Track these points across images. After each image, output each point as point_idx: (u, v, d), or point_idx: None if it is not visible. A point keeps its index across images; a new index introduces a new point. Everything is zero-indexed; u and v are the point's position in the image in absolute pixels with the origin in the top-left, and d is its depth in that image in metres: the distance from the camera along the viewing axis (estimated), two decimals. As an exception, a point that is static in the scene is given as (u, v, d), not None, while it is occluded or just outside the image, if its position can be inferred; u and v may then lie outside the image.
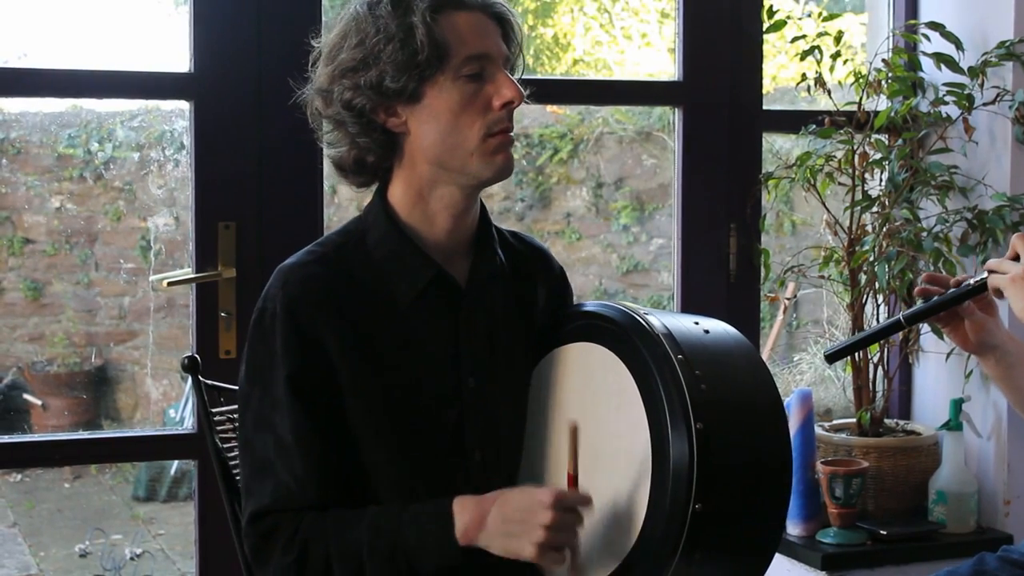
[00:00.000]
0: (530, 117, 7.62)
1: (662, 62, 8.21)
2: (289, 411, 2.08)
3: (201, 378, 2.47)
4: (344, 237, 2.20)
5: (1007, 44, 3.40)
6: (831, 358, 2.71)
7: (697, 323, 2.13)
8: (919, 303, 2.57)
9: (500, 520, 2.00)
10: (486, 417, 2.19)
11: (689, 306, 3.48)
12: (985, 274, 2.47)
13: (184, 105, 3.18)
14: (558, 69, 8.38)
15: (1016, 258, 2.43)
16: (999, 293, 2.44)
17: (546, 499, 1.98)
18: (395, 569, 2.03)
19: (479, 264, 2.21)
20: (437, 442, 2.15)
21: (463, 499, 2.04)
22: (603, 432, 2.10)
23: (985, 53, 3.43)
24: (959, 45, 3.44)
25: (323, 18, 3.08)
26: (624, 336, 2.10)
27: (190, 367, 2.47)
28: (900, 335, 3.59)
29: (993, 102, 3.41)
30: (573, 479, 2.03)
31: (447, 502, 2.05)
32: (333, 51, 2.13)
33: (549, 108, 7.41)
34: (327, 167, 2.27)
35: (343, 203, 6.95)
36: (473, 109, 2.10)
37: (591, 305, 2.24)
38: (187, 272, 3.09)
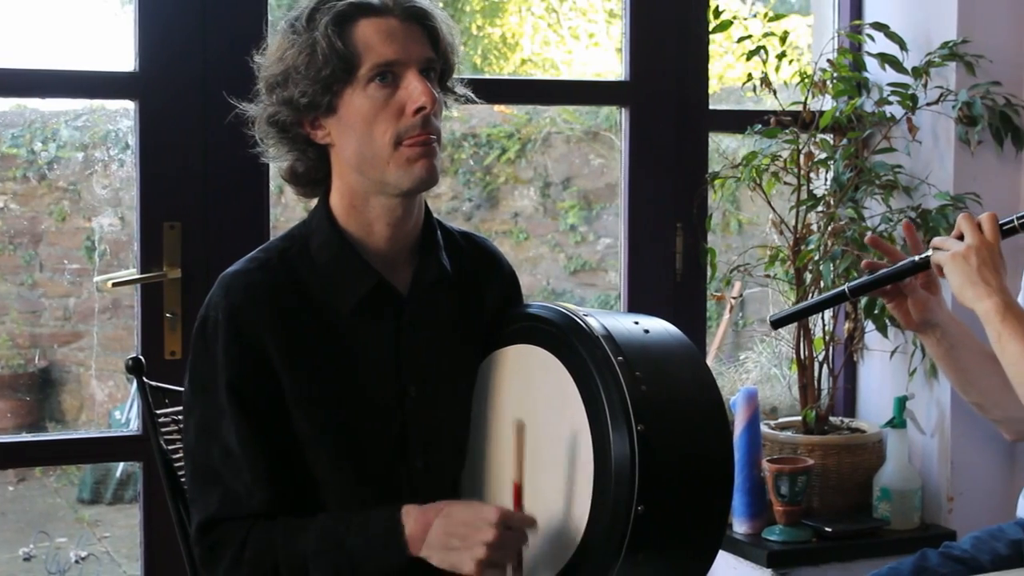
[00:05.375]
0: (478, 117, 7.61)
1: (610, 62, 8.23)
2: (233, 419, 2.07)
3: (146, 379, 2.45)
4: (288, 242, 2.19)
5: (950, 44, 3.43)
6: (776, 324, 2.75)
7: (637, 323, 2.13)
8: (865, 276, 2.61)
9: (443, 533, 2.00)
10: (429, 425, 2.18)
11: (636, 305, 3.49)
12: (929, 251, 2.50)
13: (129, 104, 3.16)
14: (506, 69, 8.38)
15: (960, 238, 2.46)
16: (940, 270, 2.49)
17: (491, 517, 1.98)
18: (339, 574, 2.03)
19: (422, 272, 2.20)
20: (380, 450, 2.15)
21: (409, 508, 2.04)
22: (544, 435, 2.10)
23: (929, 54, 3.46)
24: (903, 45, 3.47)
25: (268, 18, 3.07)
26: (563, 338, 2.09)
27: (134, 368, 2.46)
28: (845, 333, 3.62)
29: (936, 102, 3.44)
30: (519, 490, 2.02)
31: (394, 510, 2.04)
32: (263, 66, 2.14)
33: (497, 108, 7.40)
34: (273, 168, 2.27)
35: (290, 203, 6.92)
36: (385, 117, 2.07)
37: (531, 307, 2.23)
38: (132, 273, 3.08)
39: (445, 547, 2.00)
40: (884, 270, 2.59)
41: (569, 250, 7.74)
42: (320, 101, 2.08)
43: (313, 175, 2.19)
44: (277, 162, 2.22)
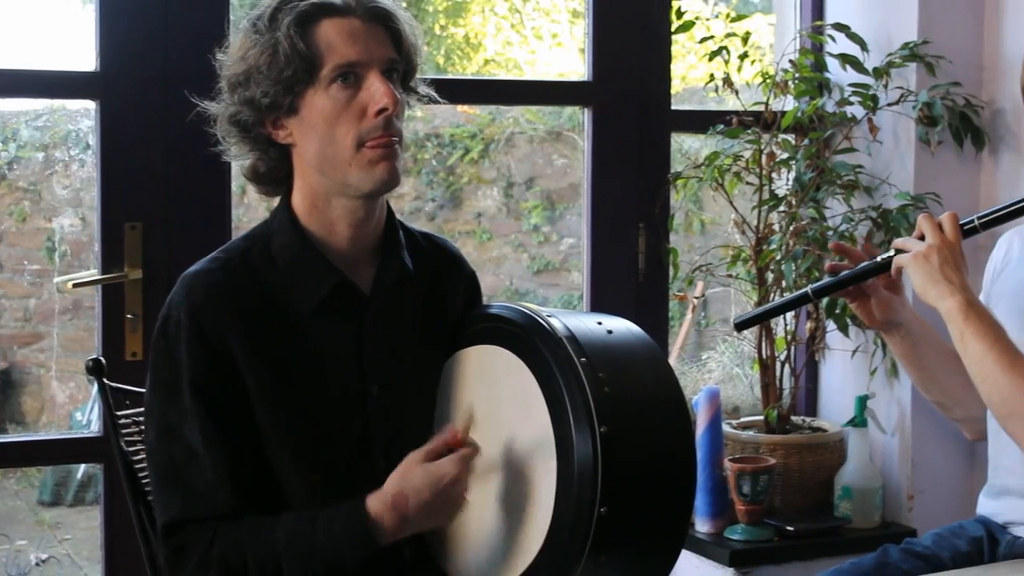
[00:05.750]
0: (441, 117, 7.61)
1: (573, 62, 8.23)
2: (196, 418, 2.06)
3: (106, 381, 2.44)
4: (249, 242, 2.18)
5: (911, 45, 3.45)
6: (740, 326, 2.78)
7: (600, 323, 2.13)
8: (827, 278, 2.64)
9: (425, 513, 2.02)
10: (391, 425, 2.18)
11: (598, 305, 3.49)
12: (892, 252, 2.53)
13: (90, 104, 3.14)
14: (469, 69, 8.38)
15: (921, 238, 2.49)
16: (899, 273, 2.51)
17: (453, 473, 2.00)
18: (311, 572, 2.02)
19: (384, 272, 2.20)
20: (342, 450, 2.14)
21: (377, 508, 2.02)
22: (507, 436, 2.10)
23: (889, 54, 3.47)
24: (864, 46, 3.48)
25: (231, 17, 3.06)
26: (526, 338, 2.09)
27: (95, 370, 2.44)
28: (807, 333, 3.63)
29: (897, 102, 3.46)
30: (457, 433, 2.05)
31: (361, 506, 2.03)
32: (224, 65, 2.14)
33: (460, 108, 7.40)
34: (236, 167, 2.26)
35: (252, 203, 6.89)
36: (347, 118, 2.07)
37: (494, 307, 2.23)
38: (93, 273, 3.06)
39: (432, 521, 2.05)
40: (847, 272, 2.62)
41: (532, 250, 7.74)
42: (282, 101, 2.08)
43: (275, 174, 2.19)
44: (239, 160, 2.22)
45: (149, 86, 3.01)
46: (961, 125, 3.44)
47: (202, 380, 2.06)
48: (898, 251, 2.54)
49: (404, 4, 2.26)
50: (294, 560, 2.02)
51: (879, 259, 2.58)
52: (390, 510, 2.02)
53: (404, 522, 2.02)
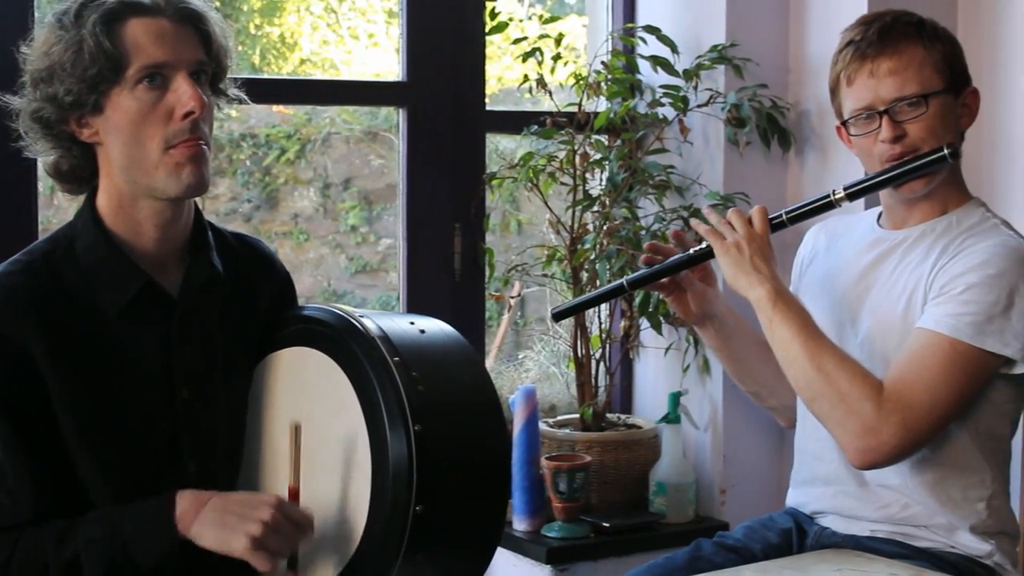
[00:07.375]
0: (256, 117, 7.52)
1: (389, 62, 8.22)
2: None
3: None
4: (52, 244, 2.13)
5: (719, 48, 3.51)
6: (557, 316, 2.83)
7: (413, 323, 2.14)
8: (643, 270, 2.70)
9: (219, 510, 1.99)
10: (201, 429, 2.15)
11: (415, 306, 3.49)
12: (704, 244, 2.60)
13: None
14: (285, 69, 8.30)
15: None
16: (711, 255, 2.58)
17: (269, 499, 1.99)
18: (111, 558, 1.98)
19: (192, 273, 2.17)
20: (150, 454, 2.11)
21: (186, 491, 2.02)
22: (321, 437, 2.09)
23: (699, 56, 3.53)
24: (674, 48, 3.53)
25: (35, 14, 2.98)
26: (339, 339, 2.09)
27: None
28: (621, 331, 3.68)
29: (706, 104, 3.52)
30: (295, 494, 2.02)
31: (171, 494, 2.02)
32: (28, 59, 2.09)
33: (275, 108, 7.33)
34: (43, 168, 2.21)
35: (62, 205, 6.73)
36: (153, 120, 2.04)
37: (307, 309, 2.22)
38: None
39: (219, 523, 1.98)
40: (660, 264, 2.69)
41: (350, 251, 7.70)
42: (86, 100, 2.04)
43: (78, 173, 2.15)
44: (41, 156, 2.16)
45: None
46: (768, 126, 3.51)
47: (0, 386, 2.01)
48: (708, 244, 2.61)
49: (217, 3, 2.24)
50: (96, 548, 1.98)
51: (692, 251, 2.65)
52: (195, 495, 2.01)
53: (198, 507, 1.99)
